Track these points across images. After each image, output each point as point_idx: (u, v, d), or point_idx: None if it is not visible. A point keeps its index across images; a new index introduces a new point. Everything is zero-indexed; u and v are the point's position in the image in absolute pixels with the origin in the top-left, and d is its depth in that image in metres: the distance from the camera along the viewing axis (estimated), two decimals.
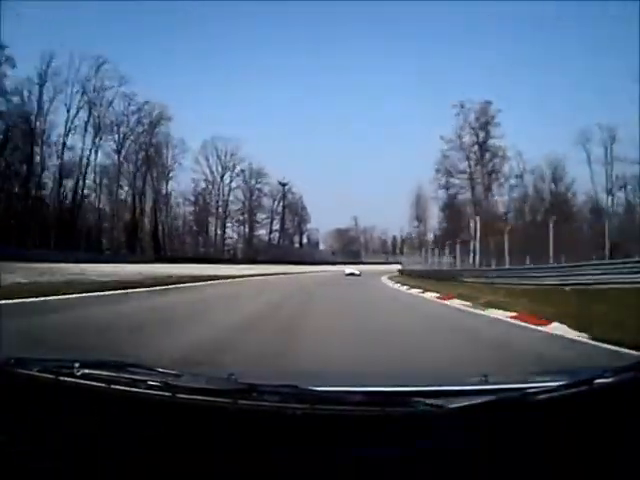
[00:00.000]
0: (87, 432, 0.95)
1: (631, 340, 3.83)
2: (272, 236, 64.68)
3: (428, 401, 0.97)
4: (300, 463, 0.89)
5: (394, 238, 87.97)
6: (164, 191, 51.94)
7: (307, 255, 65.62)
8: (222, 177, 58.20)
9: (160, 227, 52.01)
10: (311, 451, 0.90)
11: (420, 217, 62.34)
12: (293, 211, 67.94)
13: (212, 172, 56.86)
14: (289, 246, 65.10)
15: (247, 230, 62.11)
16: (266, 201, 63.13)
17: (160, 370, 1.12)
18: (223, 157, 57.72)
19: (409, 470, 0.88)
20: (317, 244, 74.09)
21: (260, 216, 61.88)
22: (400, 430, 0.94)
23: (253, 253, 58.16)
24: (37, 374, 1.04)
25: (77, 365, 1.04)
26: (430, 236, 57.76)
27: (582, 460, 0.89)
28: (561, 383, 1.00)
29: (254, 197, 60.69)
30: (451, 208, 52.71)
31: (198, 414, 0.96)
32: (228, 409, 0.95)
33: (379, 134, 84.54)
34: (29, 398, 1.02)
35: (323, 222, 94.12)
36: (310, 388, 1.01)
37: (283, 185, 63.86)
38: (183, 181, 55.30)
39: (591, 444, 0.90)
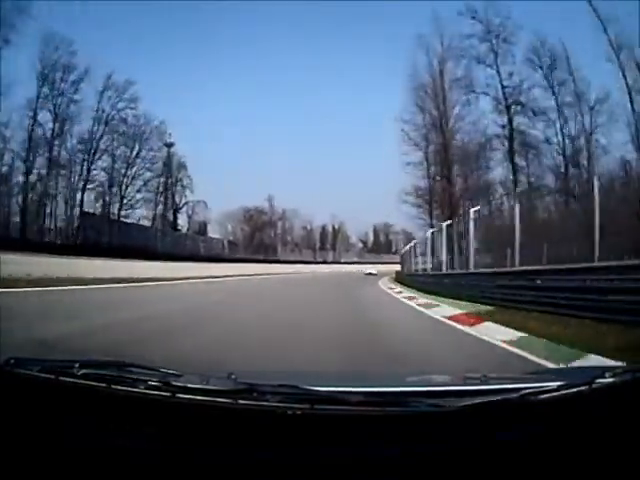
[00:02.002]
0: (87, 432, 0.94)
1: None
2: (123, 210, 35.37)
3: (428, 401, 0.97)
4: (300, 463, 0.88)
5: (323, 229, 62.34)
6: None
7: (185, 245, 37.32)
8: None
9: None
10: (311, 451, 0.90)
11: (438, 119, 27.73)
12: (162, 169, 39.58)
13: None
14: (148, 229, 35.96)
15: (69, 191, 32.47)
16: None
17: (160, 370, 1.11)
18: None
19: (409, 470, 0.88)
20: (204, 228, 45.84)
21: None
22: (400, 430, 0.93)
23: (77, 235, 28.89)
24: (37, 374, 1.04)
25: (77, 365, 1.04)
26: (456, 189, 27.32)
27: (582, 460, 0.88)
28: (561, 383, 0.99)
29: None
30: None
31: (198, 414, 0.95)
32: (228, 409, 0.94)
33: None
34: (29, 398, 1.01)
35: (218, 199, 68.46)
36: (310, 388, 1.00)
37: (168, 146, 40.21)
38: None
39: (591, 444, 0.90)
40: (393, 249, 70.39)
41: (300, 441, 0.90)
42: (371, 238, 70.48)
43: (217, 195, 68.07)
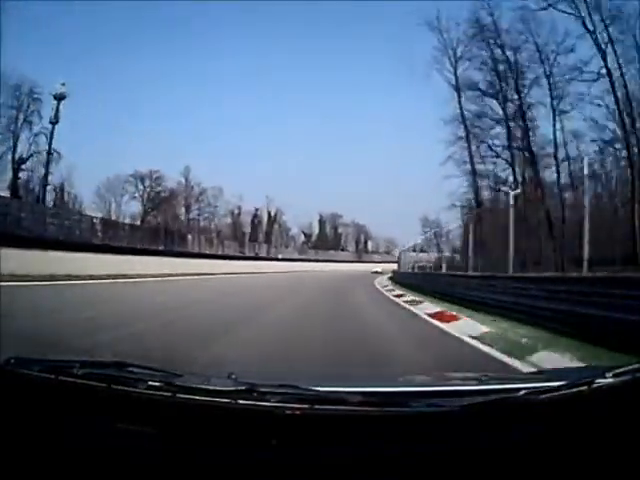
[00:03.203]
0: (87, 432, 0.95)
1: None
2: None
3: (428, 401, 0.98)
4: (300, 463, 0.88)
5: (255, 215, 49.31)
6: None
7: (19, 221, 22.50)
8: None
9: None
10: (311, 451, 0.90)
11: None
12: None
13: None
14: None
15: None
16: None
17: (160, 370, 1.11)
18: None
19: (409, 470, 0.88)
20: (60, 195, 30.87)
21: None
22: (400, 430, 0.93)
23: None
24: (37, 374, 1.04)
25: (77, 365, 1.05)
26: None
27: (582, 461, 0.89)
28: (561, 383, 0.99)
29: None
30: None
31: (198, 414, 0.95)
32: (228, 409, 0.95)
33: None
34: (29, 398, 1.01)
35: (99, 164, 54.16)
36: (310, 388, 1.01)
37: (58, 99, 29.01)
38: None
39: (591, 445, 0.90)
40: (342, 245, 59.10)
41: (300, 441, 0.91)
42: (316, 230, 58.37)
43: (97, 158, 52.69)
